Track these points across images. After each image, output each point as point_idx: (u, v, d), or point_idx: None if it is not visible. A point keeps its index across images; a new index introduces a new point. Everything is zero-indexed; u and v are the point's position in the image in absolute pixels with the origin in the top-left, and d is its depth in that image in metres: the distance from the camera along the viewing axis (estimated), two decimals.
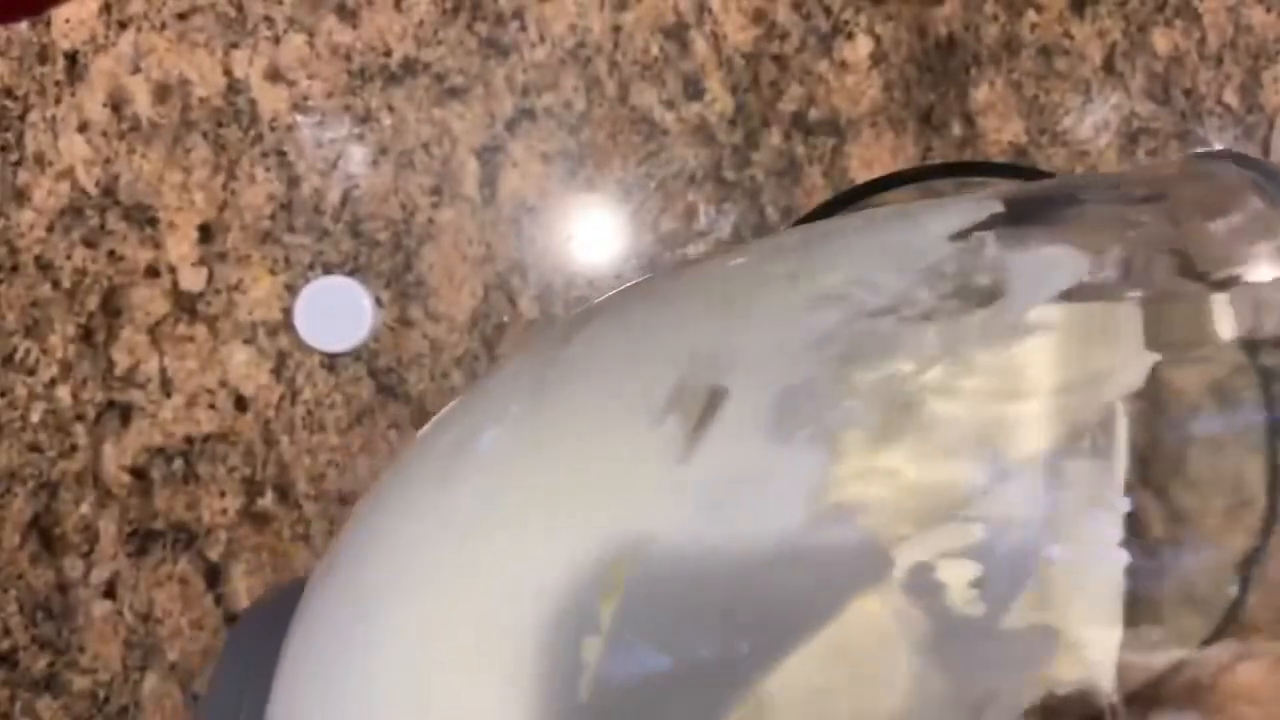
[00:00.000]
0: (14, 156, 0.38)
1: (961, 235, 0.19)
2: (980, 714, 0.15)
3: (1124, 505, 0.17)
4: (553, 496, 0.17)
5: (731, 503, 0.16)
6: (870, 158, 0.38)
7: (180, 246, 0.38)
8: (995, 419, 0.17)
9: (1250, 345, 0.18)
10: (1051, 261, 0.18)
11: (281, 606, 0.20)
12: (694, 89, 0.38)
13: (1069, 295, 0.18)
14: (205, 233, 0.38)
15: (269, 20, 0.38)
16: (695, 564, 0.16)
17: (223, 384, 0.38)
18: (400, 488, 0.19)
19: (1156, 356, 0.18)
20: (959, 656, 0.15)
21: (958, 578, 0.15)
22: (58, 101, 0.38)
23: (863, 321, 0.17)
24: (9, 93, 0.38)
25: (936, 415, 0.17)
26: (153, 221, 0.38)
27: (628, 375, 0.18)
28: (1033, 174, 0.30)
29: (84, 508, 0.38)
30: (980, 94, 0.38)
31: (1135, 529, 0.17)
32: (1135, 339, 0.18)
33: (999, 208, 0.19)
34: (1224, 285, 0.18)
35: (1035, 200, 0.20)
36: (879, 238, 0.20)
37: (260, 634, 0.20)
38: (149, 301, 0.38)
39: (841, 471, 0.16)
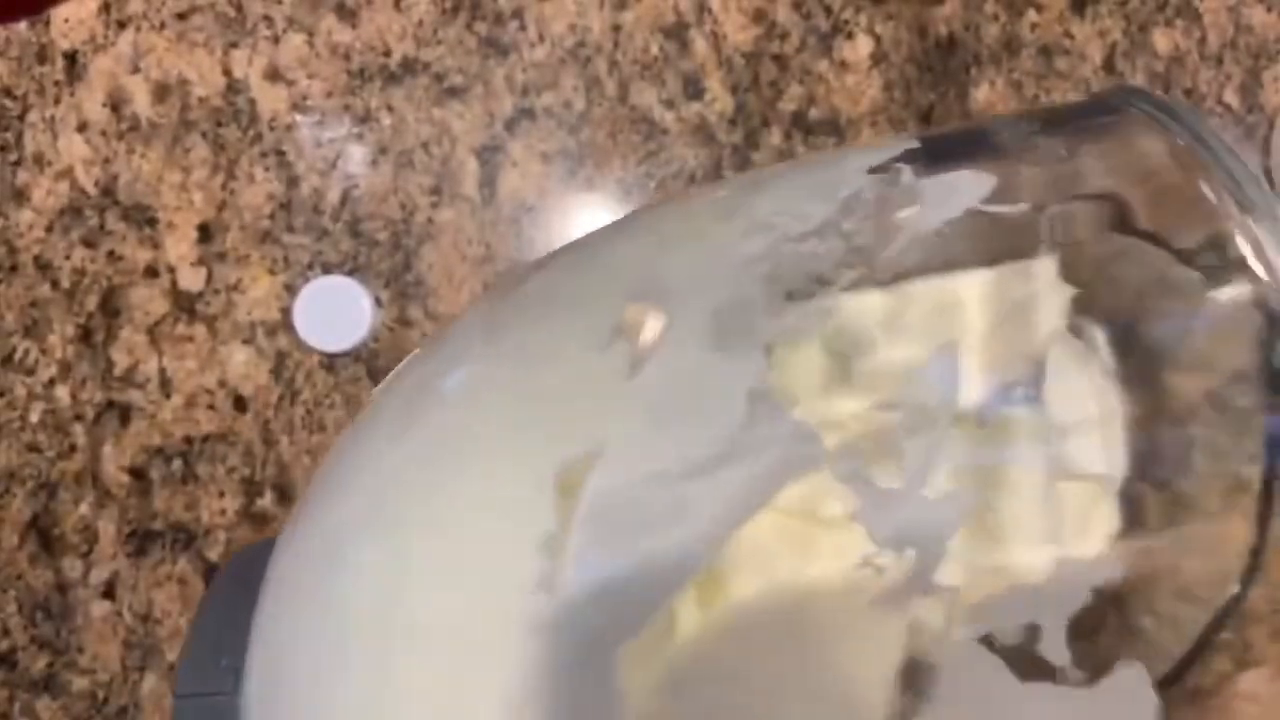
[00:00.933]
0: (13, 156, 0.38)
1: (879, 169, 0.20)
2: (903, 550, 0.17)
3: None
4: (510, 423, 0.18)
5: (677, 410, 0.18)
6: None
7: (179, 246, 0.38)
8: (916, 326, 0.19)
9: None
10: (957, 182, 0.19)
11: (256, 559, 0.20)
12: (694, 88, 0.38)
13: (976, 212, 0.19)
14: (204, 232, 0.38)
15: (268, 20, 0.38)
16: (645, 468, 0.17)
17: (222, 384, 0.38)
18: (365, 435, 0.20)
19: (1072, 290, 0.19)
20: (883, 524, 0.17)
21: (881, 462, 0.17)
22: (57, 101, 0.38)
23: (788, 245, 0.19)
24: (8, 93, 0.38)
25: (858, 326, 0.18)
26: (152, 221, 0.38)
27: (576, 308, 0.19)
28: None
29: (83, 508, 0.38)
30: (980, 94, 0.38)
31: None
32: (1050, 273, 0.19)
33: (915, 144, 0.21)
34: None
35: (950, 137, 0.22)
36: (805, 175, 0.21)
37: (237, 585, 0.20)
38: (148, 301, 0.38)
39: (776, 375, 0.17)
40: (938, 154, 0.21)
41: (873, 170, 0.20)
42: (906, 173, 0.20)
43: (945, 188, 0.20)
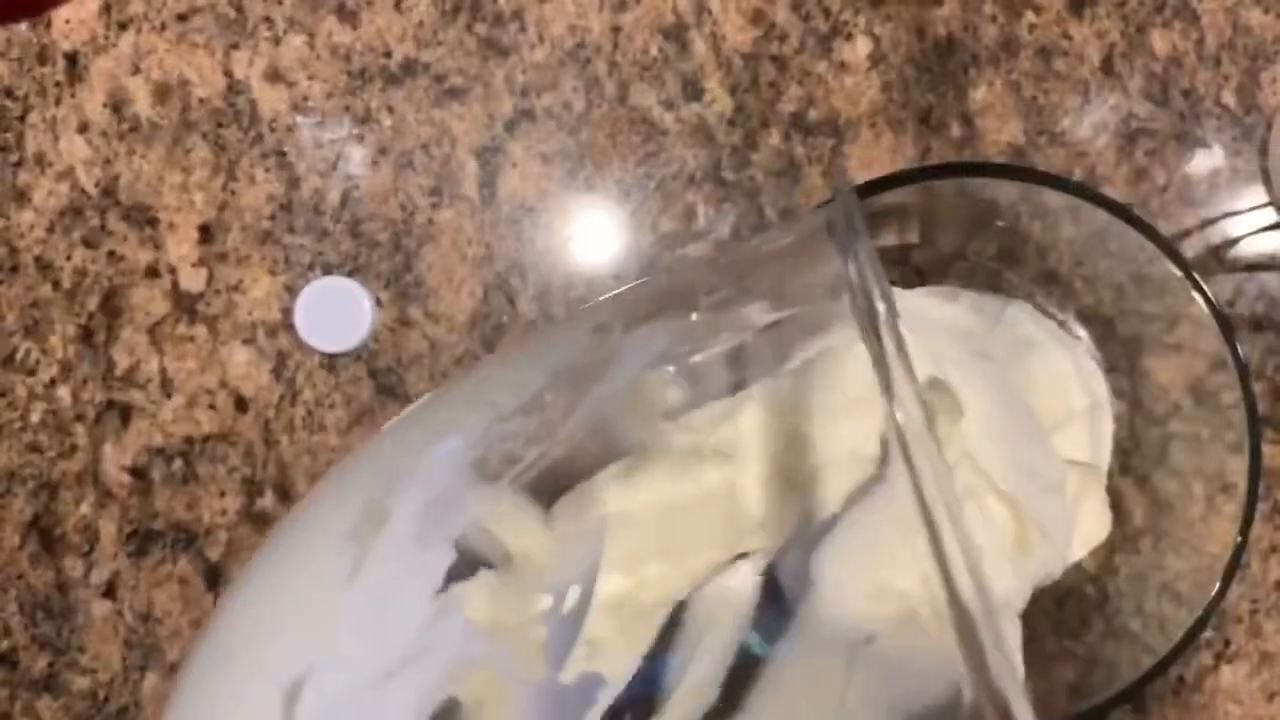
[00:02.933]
0: (14, 157, 0.38)
1: (601, 328, 0.21)
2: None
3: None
4: (254, 634, 0.19)
5: (376, 614, 0.18)
6: (869, 158, 0.38)
7: (180, 247, 0.38)
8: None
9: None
10: (648, 336, 0.20)
11: None
12: (693, 89, 0.38)
13: (663, 358, 0.20)
14: (205, 233, 0.38)
15: (269, 21, 0.38)
16: (346, 679, 0.18)
17: (223, 384, 0.38)
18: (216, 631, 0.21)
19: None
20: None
21: (531, 643, 0.18)
22: (58, 102, 0.38)
23: (497, 425, 0.20)
24: (9, 93, 0.38)
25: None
26: (153, 222, 0.38)
27: (332, 508, 0.20)
28: (1031, 175, 0.30)
29: (84, 508, 0.38)
30: (979, 95, 0.38)
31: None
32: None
33: (654, 288, 0.22)
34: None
35: (665, 293, 0.23)
36: (547, 336, 0.23)
37: None
38: (149, 302, 0.38)
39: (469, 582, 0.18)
40: (646, 310, 0.22)
41: (595, 330, 0.21)
42: (617, 329, 0.21)
43: (637, 343, 0.20)
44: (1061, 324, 0.35)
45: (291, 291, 0.38)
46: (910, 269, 0.35)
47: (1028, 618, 0.28)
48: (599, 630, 0.18)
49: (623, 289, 0.24)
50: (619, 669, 0.18)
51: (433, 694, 0.17)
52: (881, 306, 0.18)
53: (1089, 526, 0.32)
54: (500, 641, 0.18)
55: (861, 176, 0.38)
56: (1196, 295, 0.30)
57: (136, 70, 0.38)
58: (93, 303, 0.38)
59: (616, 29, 0.38)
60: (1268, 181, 0.38)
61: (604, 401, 0.19)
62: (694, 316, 0.21)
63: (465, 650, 0.18)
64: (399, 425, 0.23)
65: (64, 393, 0.38)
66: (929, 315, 0.34)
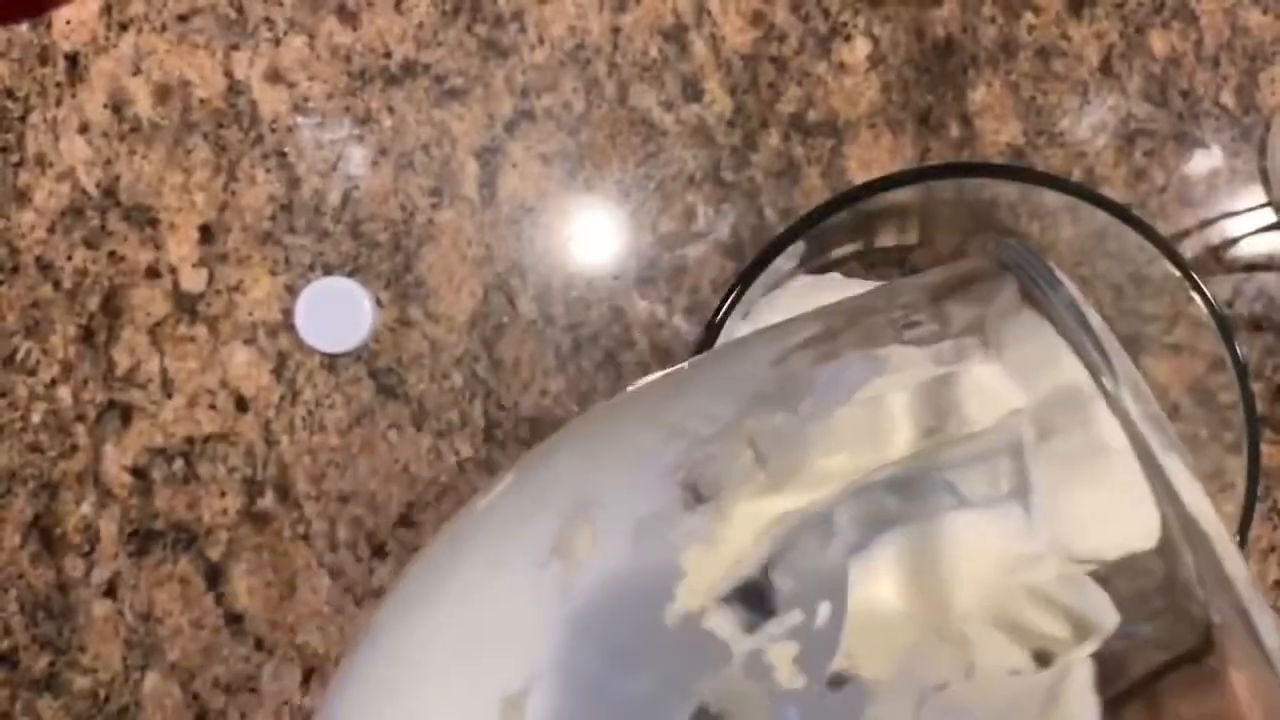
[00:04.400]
0: (15, 157, 0.38)
1: (780, 360, 0.22)
2: None
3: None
4: (458, 649, 0.20)
5: (600, 624, 0.19)
6: (868, 159, 0.38)
7: (181, 247, 0.38)
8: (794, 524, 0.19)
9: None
10: (843, 373, 0.21)
11: None
12: (693, 90, 0.38)
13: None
14: (206, 233, 0.38)
15: (269, 22, 0.38)
16: (574, 692, 0.18)
17: (223, 384, 0.38)
18: (375, 630, 0.22)
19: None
20: None
21: (782, 658, 0.18)
22: (58, 103, 0.38)
23: (699, 449, 0.20)
24: (10, 94, 0.38)
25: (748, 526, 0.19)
26: (153, 222, 0.38)
27: (519, 526, 0.21)
28: (1030, 175, 0.30)
29: (84, 508, 0.38)
30: (978, 95, 0.38)
31: None
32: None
33: (815, 329, 0.23)
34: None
35: (849, 312, 0.23)
36: (719, 370, 0.23)
37: None
38: (150, 302, 0.38)
39: (688, 583, 0.19)
40: (833, 333, 0.22)
41: (774, 362, 0.22)
42: (806, 360, 0.21)
43: (833, 378, 0.21)
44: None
45: (292, 292, 0.38)
46: (910, 269, 0.35)
47: None
48: (855, 643, 0.19)
49: (788, 320, 0.24)
50: (882, 674, 0.19)
51: (670, 697, 0.18)
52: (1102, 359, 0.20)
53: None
54: (750, 656, 0.18)
55: (860, 177, 0.38)
56: (1195, 295, 0.30)
57: (137, 71, 0.38)
58: (93, 303, 0.38)
59: (616, 30, 0.38)
60: (1266, 182, 0.38)
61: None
62: (890, 349, 0.21)
63: (709, 661, 0.18)
64: (567, 440, 0.23)
65: (65, 393, 0.38)
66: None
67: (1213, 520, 0.18)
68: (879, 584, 0.20)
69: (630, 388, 0.24)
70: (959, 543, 0.20)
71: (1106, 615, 0.21)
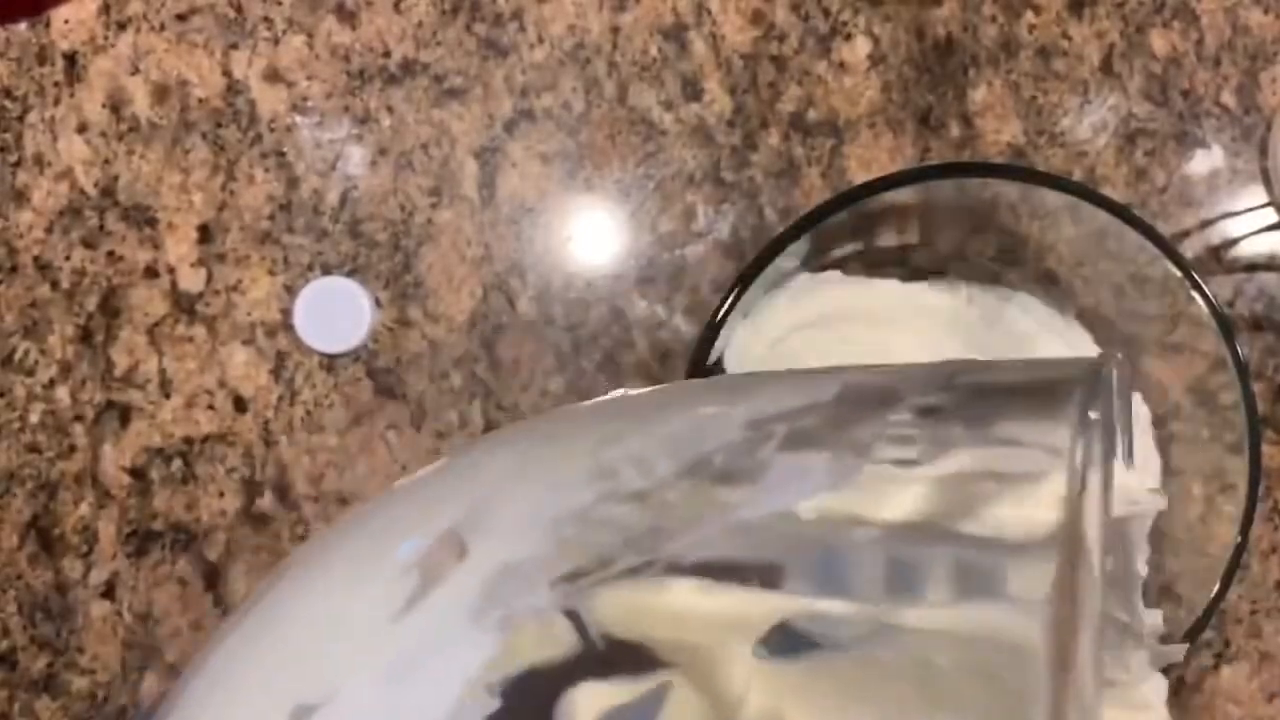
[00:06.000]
0: (13, 157, 0.38)
1: (756, 424, 0.18)
2: None
3: None
4: (272, 654, 0.18)
5: (408, 671, 0.16)
6: (868, 158, 0.38)
7: (179, 247, 0.38)
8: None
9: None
10: (803, 471, 0.17)
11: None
12: (692, 90, 0.38)
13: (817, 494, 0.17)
14: (204, 233, 0.38)
15: (268, 21, 0.38)
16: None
17: (222, 384, 0.38)
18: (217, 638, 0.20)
19: None
20: None
21: None
22: (57, 102, 0.38)
23: (606, 506, 0.17)
24: (8, 93, 0.38)
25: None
26: (152, 222, 0.38)
27: (398, 525, 0.18)
28: (1031, 175, 0.30)
29: (83, 508, 0.38)
30: (978, 95, 0.38)
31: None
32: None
33: (830, 394, 0.19)
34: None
35: (866, 395, 0.19)
36: (688, 412, 0.19)
37: None
38: (148, 302, 0.38)
39: (502, 661, 0.16)
40: (840, 417, 0.19)
41: (749, 425, 0.18)
42: (773, 443, 0.18)
43: (791, 473, 0.17)
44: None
45: (291, 292, 0.38)
46: (910, 269, 0.35)
47: None
48: None
49: (802, 373, 0.20)
50: None
51: None
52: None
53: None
54: None
55: (860, 177, 0.38)
56: (1196, 295, 0.30)
57: (135, 70, 0.38)
58: (92, 303, 0.38)
59: (616, 29, 0.38)
60: (1267, 182, 0.38)
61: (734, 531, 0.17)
62: (867, 466, 0.17)
63: None
64: (510, 438, 0.20)
65: (63, 393, 0.38)
66: (928, 303, 0.34)
67: None
68: (940, 656, 0.16)
69: (591, 401, 0.22)
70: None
71: None
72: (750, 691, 0.16)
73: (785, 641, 0.15)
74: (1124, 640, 0.19)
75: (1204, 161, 0.38)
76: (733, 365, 0.33)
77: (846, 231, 0.33)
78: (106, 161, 0.38)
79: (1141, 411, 0.33)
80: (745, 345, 0.33)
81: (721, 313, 0.30)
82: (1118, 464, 0.18)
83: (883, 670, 0.16)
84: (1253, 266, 0.38)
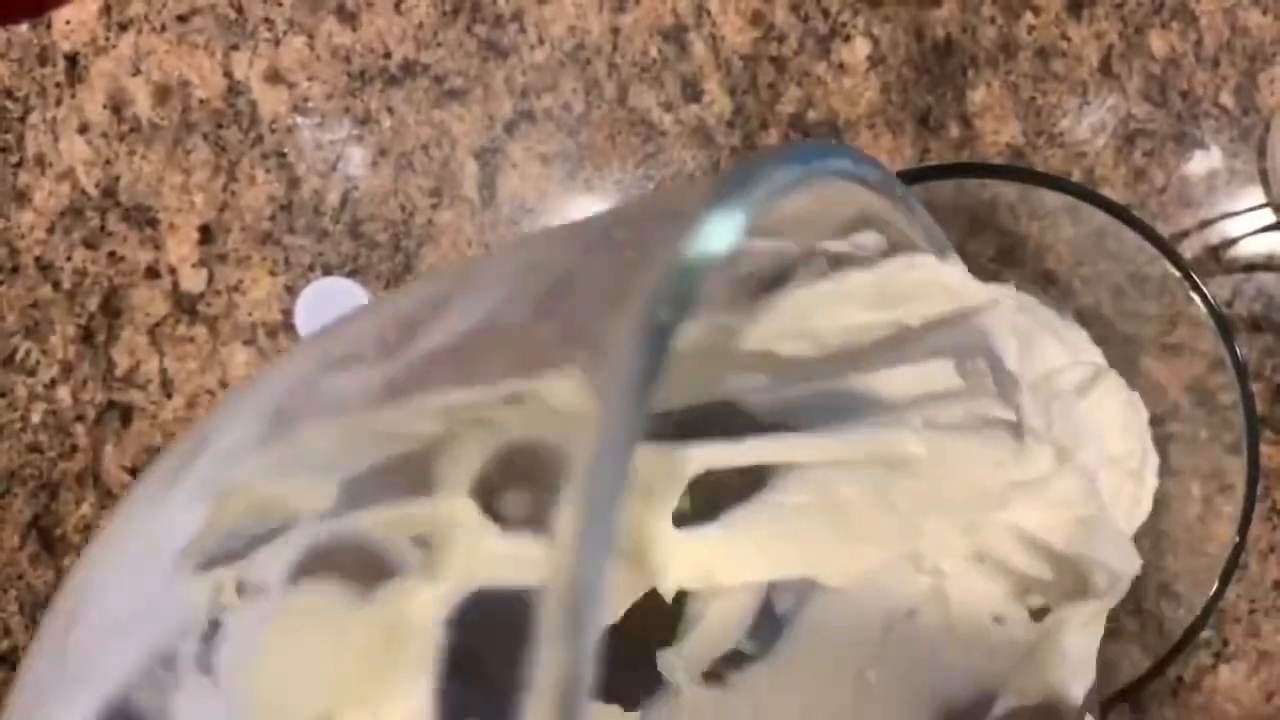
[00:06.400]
0: (14, 158, 0.38)
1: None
2: None
3: None
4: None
5: (147, 560, 0.16)
6: None
7: (180, 247, 0.38)
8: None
9: None
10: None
11: None
12: (692, 91, 0.38)
13: None
14: (205, 234, 0.38)
15: (269, 22, 0.38)
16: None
17: (223, 385, 0.38)
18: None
19: None
20: None
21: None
22: (58, 103, 0.38)
23: (321, 373, 0.17)
24: (9, 94, 0.38)
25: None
26: (153, 223, 0.38)
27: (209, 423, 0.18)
28: (1030, 175, 0.30)
29: (84, 508, 0.38)
30: (977, 96, 0.38)
31: None
32: None
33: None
34: None
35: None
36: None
37: None
38: (149, 302, 0.38)
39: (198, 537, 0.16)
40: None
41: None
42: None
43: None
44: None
45: (291, 292, 0.38)
46: None
47: None
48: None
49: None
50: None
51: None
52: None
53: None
54: None
55: None
56: (1195, 296, 0.30)
57: (137, 71, 0.38)
58: (93, 303, 0.38)
59: (616, 30, 0.38)
60: (1266, 182, 0.38)
61: None
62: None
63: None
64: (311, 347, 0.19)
65: (64, 393, 0.38)
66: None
67: None
68: (843, 489, 0.18)
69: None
70: (936, 462, 0.19)
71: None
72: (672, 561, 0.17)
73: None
74: (1018, 439, 0.19)
75: (1202, 162, 0.38)
76: None
77: None
78: (108, 162, 0.38)
79: (1141, 411, 0.33)
80: None
81: None
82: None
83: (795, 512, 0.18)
84: (1251, 267, 0.38)
